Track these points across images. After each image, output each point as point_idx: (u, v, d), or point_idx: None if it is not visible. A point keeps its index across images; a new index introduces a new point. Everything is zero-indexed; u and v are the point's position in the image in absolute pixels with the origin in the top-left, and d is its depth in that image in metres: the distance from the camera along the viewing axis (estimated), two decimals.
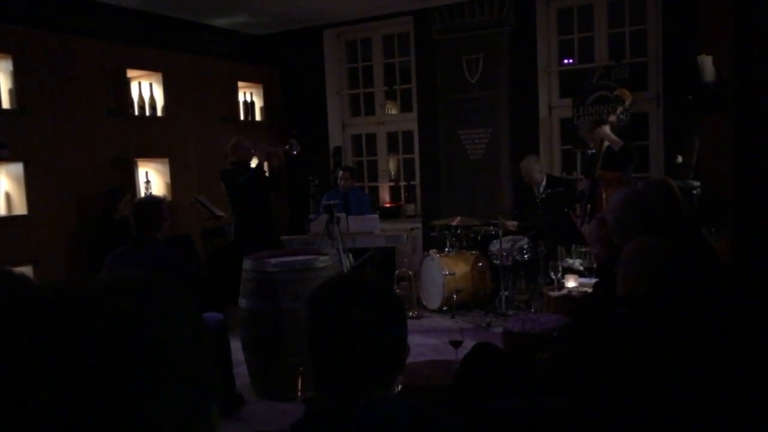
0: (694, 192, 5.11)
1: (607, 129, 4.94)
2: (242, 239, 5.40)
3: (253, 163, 5.48)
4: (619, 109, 5.07)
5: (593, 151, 5.01)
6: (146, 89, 6.19)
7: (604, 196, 4.76)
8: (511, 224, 5.96)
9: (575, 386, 2.21)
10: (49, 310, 0.59)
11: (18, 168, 5.16)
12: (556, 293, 4.34)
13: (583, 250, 4.78)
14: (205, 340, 0.66)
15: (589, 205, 4.93)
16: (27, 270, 4.94)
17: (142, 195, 5.99)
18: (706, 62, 4.87)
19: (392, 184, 7.82)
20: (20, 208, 5.18)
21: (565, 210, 4.97)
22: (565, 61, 6.69)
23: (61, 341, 0.57)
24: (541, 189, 5.87)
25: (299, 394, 1.98)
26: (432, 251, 6.15)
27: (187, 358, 0.62)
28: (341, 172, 6.60)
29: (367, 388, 1.20)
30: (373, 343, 1.21)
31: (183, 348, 0.62)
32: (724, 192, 4.52)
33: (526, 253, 5.85)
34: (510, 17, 6.56)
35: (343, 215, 5.30)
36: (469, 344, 2.90)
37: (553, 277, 4.52)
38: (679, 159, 5.26)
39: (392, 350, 1.24)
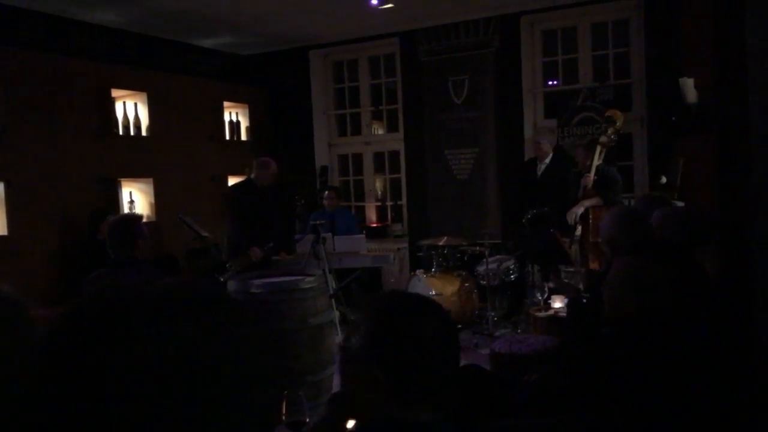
0: None
1: (596, 151, 4.96)
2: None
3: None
4: (610, 130, 5.09)
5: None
6: (131, 109, 6.16)
7: (591, 218, 4.78)
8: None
9: (562, 407, 2.19)
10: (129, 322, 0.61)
11: None
12: (542, 314, 4.32)
13: (570, 270, 4.77)
14: (270, 373, 0.68)
15: (578, 225, 4.94)
16: None
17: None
18: (688, 84, 4.95)
19: (379, 203, 7.81)
20: (0, 229, 5.10)
21: (551, 230, 4.97)
22: (550, 82, 6.75)
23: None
24: (545, 166, 5.81)
25: (283, 417, 1.94)
26: (419, 271, 6.12)
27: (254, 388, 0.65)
28: (326, 192, 6.59)
29: (424, 405, 1.16)
30: (441, 357, 1.19)
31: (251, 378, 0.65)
32: (709, 211, 4.55)
33: (512, 274, 5.84)
34: (495, 39, 6.63)
35: (329, 235, 5.26)
36: None
37: (540, 297, 4.50)
38: (663, 179, 5.30)
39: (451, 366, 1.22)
